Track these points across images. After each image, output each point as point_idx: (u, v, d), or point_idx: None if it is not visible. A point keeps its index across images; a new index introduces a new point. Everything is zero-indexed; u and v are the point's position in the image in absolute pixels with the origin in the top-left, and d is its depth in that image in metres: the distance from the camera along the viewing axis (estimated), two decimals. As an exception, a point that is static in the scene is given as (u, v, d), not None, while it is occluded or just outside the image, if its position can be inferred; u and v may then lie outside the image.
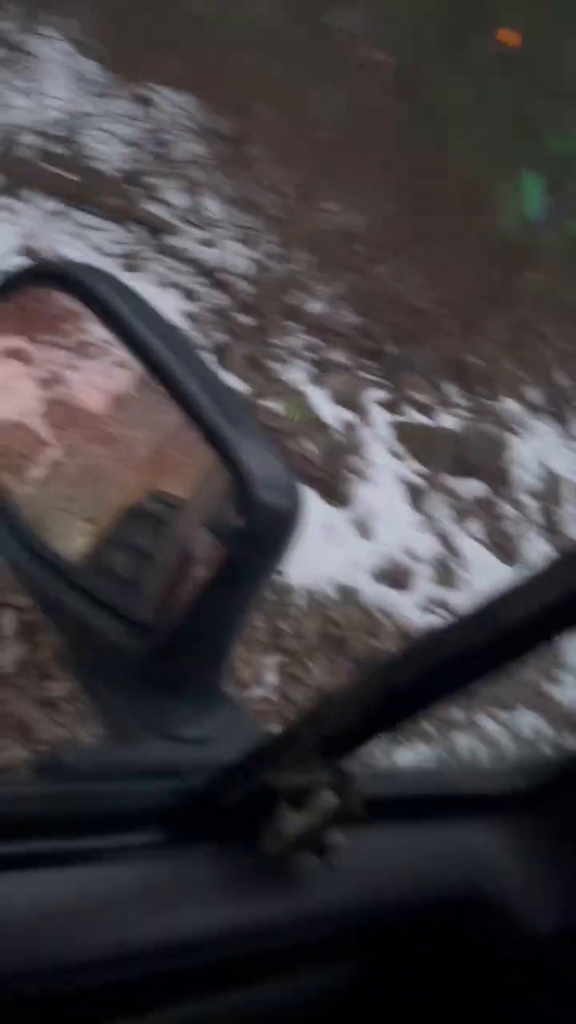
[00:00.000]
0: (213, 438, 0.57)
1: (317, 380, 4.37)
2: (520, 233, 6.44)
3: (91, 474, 0.71)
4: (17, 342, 0.71)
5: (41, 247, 4.24)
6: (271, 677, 3.02)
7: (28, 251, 4.11)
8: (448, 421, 5.04)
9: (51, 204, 5.14)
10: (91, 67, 7.47)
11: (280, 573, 3.30)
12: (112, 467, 0.71)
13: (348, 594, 3.43)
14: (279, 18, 9.20)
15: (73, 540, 0.69)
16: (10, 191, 4.79)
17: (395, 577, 3.62)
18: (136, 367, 0.63)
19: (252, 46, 7.44)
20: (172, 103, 7.85)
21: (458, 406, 5.29)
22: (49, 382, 0.71)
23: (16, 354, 0.71)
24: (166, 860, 0.51)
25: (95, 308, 0.63)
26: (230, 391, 0.65)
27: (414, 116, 8.44)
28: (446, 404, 5.31)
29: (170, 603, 0.61)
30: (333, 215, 6.03)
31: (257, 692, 2.93)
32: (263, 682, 2.99)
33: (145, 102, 7.14)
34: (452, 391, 5.46)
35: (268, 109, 5.60)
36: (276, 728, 0.51)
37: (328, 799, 0.50)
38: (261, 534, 0.56)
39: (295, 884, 0.52)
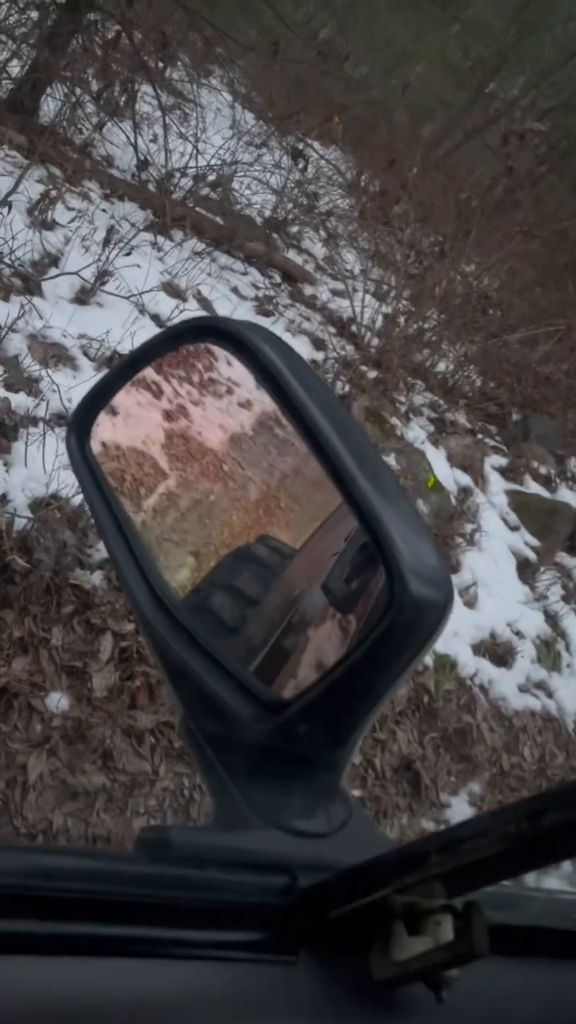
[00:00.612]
0: (366, 518, 0.54)
1: (436, 440, 4.30)
2: None
3: (202, 509, 0.71)
4: (149, 372, 0.72)
5: (181, 285, 4.37)
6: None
7: (169, 287, 4.24)
8: (568, 496, 4.87)
9: (197, 244, 5.31)
10: (250, 118, 7.79)
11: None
12: (223, 504, 0.70)
13: (445, 664, 3.32)
14: (442, 84, 9.38)
15: (177, 573, 0.68)
16: (159, 229, 4.98)
17: (496, 652, 3.48)
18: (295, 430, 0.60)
19: (412, 109, 7.59)
20: (323, 157, 8.07)
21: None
22: (174, 415, 0.72)
23: (146, 384, 0.72)
24: (267, 965, 0.47)
25: (254, 366, 0.61)
26: (387, 469, 0.60)
27: (563, 186, 8.40)
28: (567, 478, 5.15)
29: (302, 681, 0.57)
30: (469, 277, 6.00)
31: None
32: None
33: (297, 155, 7.35)
34: (572, 463, 5.29)
35: (418, 170, 5.64)
36: (406, 842, 0.46)
37: (448, 930, 0.44)
38: (408, 625, 0.52)
39: (403, 1016, 0.47)
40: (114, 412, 0.75)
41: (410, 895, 0.45)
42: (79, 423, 0.71)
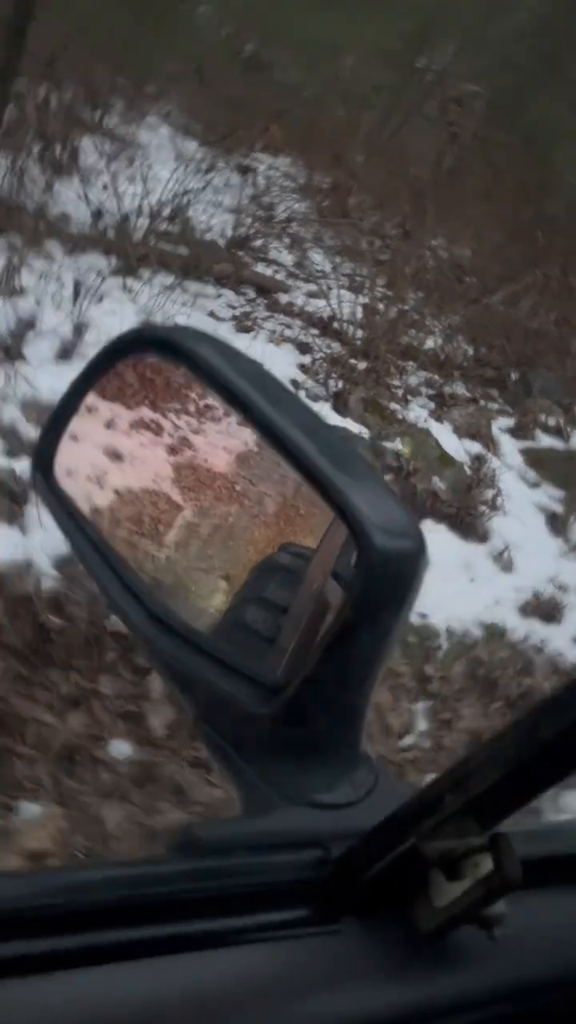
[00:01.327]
0: (323, 487, 0.55)
1: (439, 415, 4.30)
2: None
3: (223, 533, 0.73)
4: (144, 412, 0.74)
5: (157, 319, 4.41)
6: (422, 724, 2.92)
7: (146, 326, 4.29)
8: (580, 442, 4.84)
9: (165, 279, 5.36)
10: (192, 146, 7.86)
11: (424, 616, 3.22)
12: (243, 524, 0.72)
13: (495, 632, 3.30)
14: (370, 70, 9.41)
15: (212, 599, 0.70)
16: (127, 272, 5.03)
17: (543, 610, 3.45)
18: (241, 422, 0.61)
19: (345, 100, 7.62)
20: (271, 167, 8.11)
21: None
22: (176, 448, 0.73)
23: (144, 424, 0.75)
24: (312, 939, 0.47)
25: (190, 366, 0.62)
26: (339, 438, 0.61)
27: (510, 143, 8.37)
28: (578, 425, 5.11)
29: (301, 660, 0.58)
30: (439, 251, 6.00)
31: (408, 740, 2.84)
32: (414, 730, 2.90)
33: (245, 170, 7.41)
34: (582, 411, 5.25)
35: (365, 157, 5.66)
36: (420, 788, 0.47)
37: (484, 865, 0.45)
38: (383, 580, 0.52)
39: (457, 961, 0.47)
40: (74, 439, 0.75)
41: (442, 841, 0.45)
42: (41, 457, 0.72)
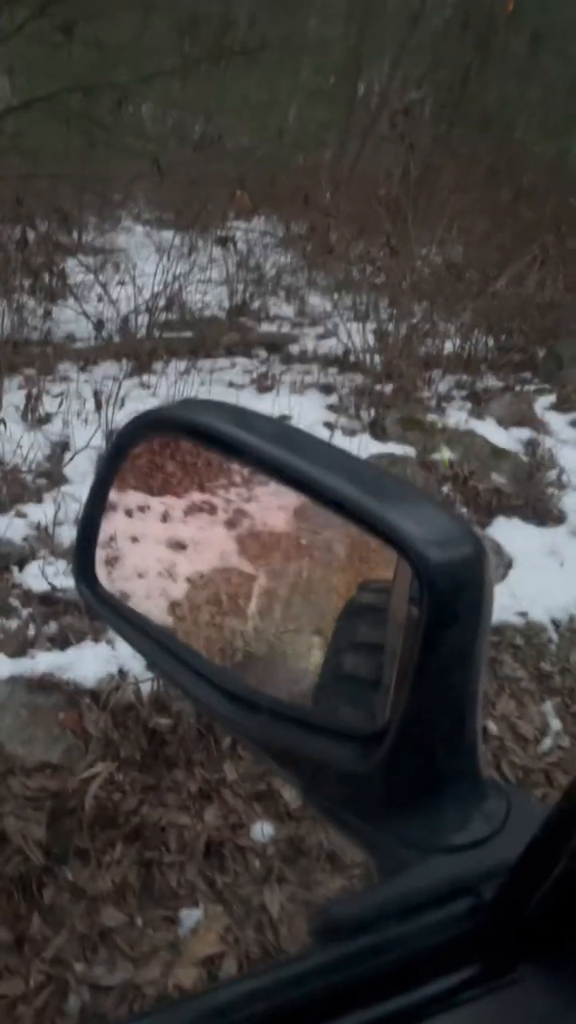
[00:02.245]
0: (364, 520, 0.52)
1: (478, 413, 4.23)
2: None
3: (302, 588, 0.72)
4: (195, 496, 0.75)
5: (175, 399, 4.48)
6: (555, 723, 2.81)
7: (145, 411, 4.36)
8: (630, 395, 4.70)
9: (179, 365, 5.47)
10: (169, 235, 8.09)
11: (524, 615, 3.12)
12: (319, 575, 0.71)
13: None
14: (316, 112, 9.62)
15: (311, 657, 0.68)
16: (140, 370, 5.15)
17: None
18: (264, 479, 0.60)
19: (298, 147, 7.78)
20: (248, 231, 8.29)
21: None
22: (234, 521, 0.74)
23: (198, 508, 0.76)
24: (491, 996, 0.43)
25: (199, 438, 0.61)
26: (366, 466, 0.59)
27: (467, 130, 8.41)
28: (620, 381, 4.98)
29: (398, 699, 0.54)
30: (431, 257, 6.00)
31: (547, 743, 2.73)
32: (549, 731, 2.79)
33: (224, 241, 7.58)
34: (620, 365, 5.12)
35: (332, 193, 5.74)
36: (558, 800, 0.42)
37: None
38: (448, 593, 0.49)
39: None
40: (135, 540, 0.77)
41: None
42: (81, 571, 0.71)
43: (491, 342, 5.56)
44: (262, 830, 2.30)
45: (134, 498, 0.76)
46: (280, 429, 0.58)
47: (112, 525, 0.78)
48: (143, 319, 5.92)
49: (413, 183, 4.80)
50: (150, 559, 0.78)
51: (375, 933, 0.44)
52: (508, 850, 0.46)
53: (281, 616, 0.72)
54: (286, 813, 2.35)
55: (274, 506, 0.70)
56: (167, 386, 4.74)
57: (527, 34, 11.10)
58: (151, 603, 0.78)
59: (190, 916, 2.11)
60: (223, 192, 6.13)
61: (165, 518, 0.77)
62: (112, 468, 0.68)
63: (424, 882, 0.48)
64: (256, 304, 7.16)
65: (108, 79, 5.54)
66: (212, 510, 0.74)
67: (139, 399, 4.50)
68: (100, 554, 0.76)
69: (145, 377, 5.08)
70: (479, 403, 4.39)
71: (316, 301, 7.52)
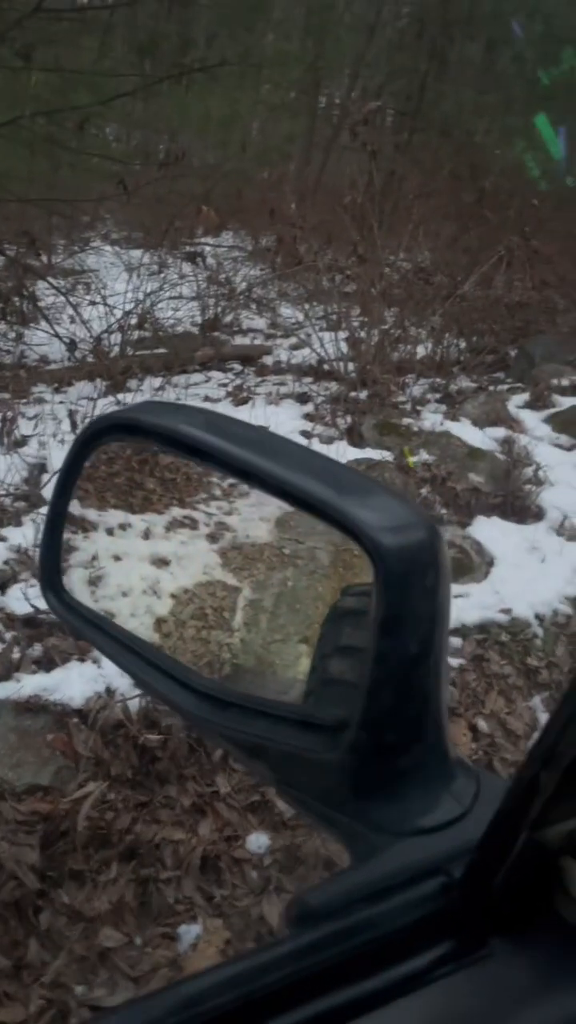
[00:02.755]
0: (320, 512, 0.52)
1: (453, 415, 4.26)
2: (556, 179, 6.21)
3: (288, 598, 0.72)
4: (176, 512, 0.75)
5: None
6: (544, 718, 2.82)
7: (102, 415, 4.35)
8: (601, 390, 4.75)
9: (153, 382, 5.47)
10: (137, 254, 8.11)
11: (508, 611, 3.13)
12: (304, 584, 0.71)
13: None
14: (277, 129, 9.69)
15: (299, 665, 0.68)
16: (115, 389, 5.15)
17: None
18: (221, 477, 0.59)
19: (262, 161, 7.84)
20: (217, 246, 8.33)
21: (604, 372, 4.99)
22: (216, 535, 0.74)
23: (179, 523, 0.76)
24: (465, 972, 0.43)
25: (157, 440, 0.60)
26: (322, 459, 0.58)
27: (428, 137, 8.50)
28: (592, 376, 5.03)
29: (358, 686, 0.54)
30: (398, 263, 6.05)
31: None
32: (539, 726, 2.80)
33: (193, 257, 7.60)
34: (591, 361, 5.18)
35: (297, 206, 5.77)
36: (513, 775, 0.43)
37: None
38: (401, 576, 0.49)
39: None
40: (118, 559, 0.77)
41: (559, 824, 0.42)
42: (47, 577, 0.71)
43: (463, 344, 5.61)
44: (258, 841, 2.29)
45: (115, 516, 0.77)
46: (238, 428, 0.59)
47: (93, 545, 0.79)
48: (116, 338, 5.93)
49: (377, 191, 4.84)
50: (134, 577, 0.78)
51: (348, 916, 0.44)
52: (478, 829, 0.45)
53: (268, 626, 0.72)
54: (281, 823, 2.35)
55: (255, 517, 0.71)
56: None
57: (482, 41, 11.27)
58: (136, 621, 0.78)
59: (189, 932, 2.10)
60: (190, 209, 6.15)
61: (147, 535, 0.78)
62: (72, 474, 0.68)
63: (394, 865, 0.48)
64: (228, 318, 7.19)
65: (69, 102, 5.56)
66: (194, 524, 0.74)
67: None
68: (82, 574, 0.76)
69: (120, 396, 5.07)
70: (453, 405, 4.42)
71: (288, 312, 7.55)
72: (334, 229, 5.64)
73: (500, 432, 4.16)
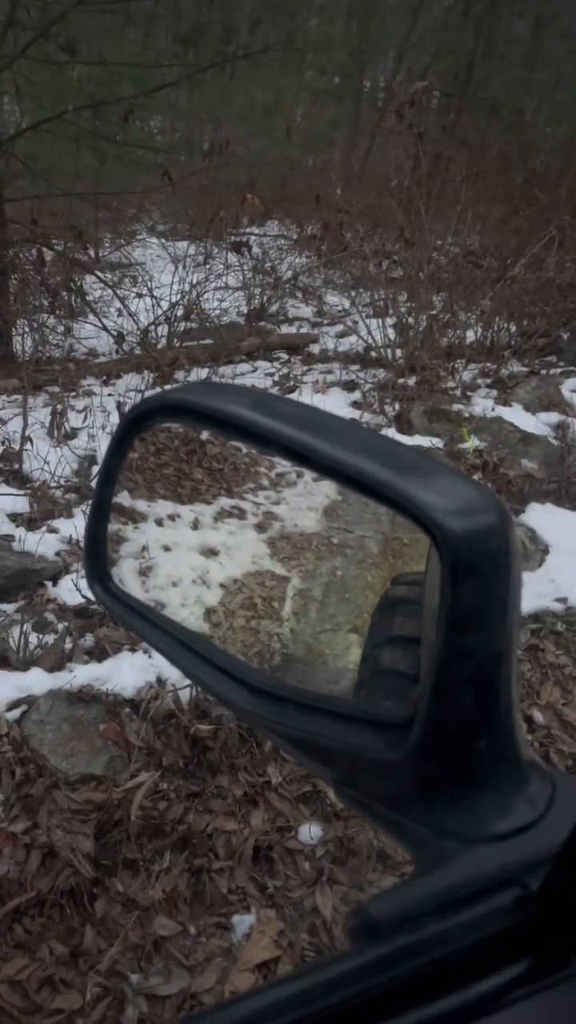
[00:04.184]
0: (382, 495, 0.49)
1: (504, 400, 4.18)
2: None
3: (337, 587, 0.72)
4: (224, 502, 0.76)
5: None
6: (603, 709, 2.75)
7: (147, 398, 4.35)
8: None
9: (200, 373, 5.48)
10: (183, 245, 8.12)
11: (564, 600, 3.06)
12: (353, 573, 0.71)
13: None
14: (325, 110, 9.60)
15: (349, 655, 0.67)
16: (162, 380, 5.16)
17: None
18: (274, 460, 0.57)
19: (311, 146, 7.77)
20: (261, 236, 8.30)
21: None
22: (264, 524, 0.76)
23: (227, 513, 0.78)
24: (547, 993, 0.39)
25: (206, 422, 0.57)
26: (382, 439, 0.54)
27: (476, 117, 8.34)
28: None
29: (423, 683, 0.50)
30: (446, 247, 5.95)
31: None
32: (597, 717, 2.73)
33: (239, 247, 7.59)
34: None
35: (344, 193, 5.71)
36: None
37: None
38: (471, 564, 0.46)
39: None
40: (168, 549, 0.74)
41: None
42: (94, 571, 0.69)
43: (514, 328, 5.50)
44: (310, 832, 2.28)
45: (164, 507, 0.79)
46: (290, 407, 0.56)
47: (143, 535, 0.79)
48: (163, 330, 5.95)
49: (424, 173, 4.76)
50: (183, 567, 0.81)
51: (416, 930, 0.41)
52: (555, 836, 0.42)
53: (317, 616, 0.71)
54: (333, 814, 2.33)
55: (303, 507, 0.70)
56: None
57: (531, 18, 11.01)
58: (187, 611, 0.78)
59: (243, 922, 2.10)
60: (234, 198, 6.13)
61: (196, 525, 0.81)
62: (118, 457, 0.65)
63: (466, 874, 0.45)
64: (274, 307, 7.16)
65: (114, 95, 5.57)
66: (242, 514, 0.77)
67: (163, 409, 4.51)
68: (132, 565, 0.75)
69: (167, 386, 5.08)
70: (505, 390, 4.33)
71: (335, 300, 7.50)
72: (380, 214, 5.57)
73: (554, 417, 4.06)
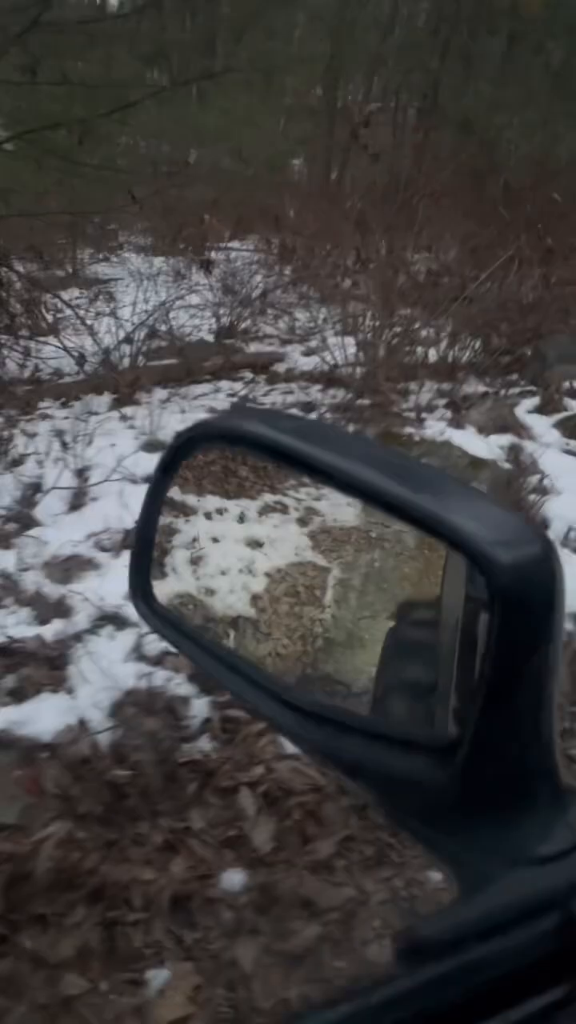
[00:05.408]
0: (423, 523, 0.50)
1: (457, 422, 4.14)
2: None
3: (375, 578, 0.76)
4: (267, 498, 0.79)
5: (159, 436, 4.42)
6: None
7: (149, 445, 4.30)
8: (617, 392, 4.58)
9: (162, 393, 5.43)
10: (160, 262, 8.08)
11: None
12: (390, 565, 0.74)
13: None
14: (292, 131, 9.60)
15: (367, 671, 0.69)
16: (121, 402, 5.11)
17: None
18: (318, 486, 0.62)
19: (273, 163, 7.76)
20: (228, 254, 8.27)
21: (620, 372, 4.82)
22: (305, 519, 0.79)
23: (271, 508, 0.81)
24: None
25: (249, 447, 0.61)
26: (417, 464, 0.58)
27: (446, 135, 8.35)
28: (607, 377, 4.85)
29: (466, 706, 0.52)
30: (411, 266, 5.93)
31: None
32: None
33: (208, 264, 7.56)
34: (607, 361, 5.00)
35: (298, 211, 5.69)
36: None
37: None
38: (521, 597, 0.47)
39: None
40: (216, 540, 0.86)
41: None
42: (138, 587, 0.71)
43: (477, 345, 5.47)
44: (233, 879, 2.21)
45: (212, 502, 0.83)
46: (322, 430, 0.62)
47: (194, 528, 0.87)
48: (129, 349, 5.89)
49: (379, 193, 4.73)
50: (231, 557, 0.87)
51: (462, 953, 0.42)
52: None
53: (357, 604, 0.76)
54: (257, 859, 2.27)
55: (342, 503, 0.73)
56: (143, 417, 4.68)
57: (504, 35, 11.05)
58: (234, 597, 0.85)
59: (157, 977, 2.02)
60: (196, 217, 6.10)
61: (242, 519, 0.84)
62: (164, 482, 0.69)
63: (510, 897, 0.46)
64: (244, 325, 7.12)
65: (74, 115, 5.54)
66: (284, 509, 0.78)
67: (114, 432, 4.46)
68: (184, 555, 0.81)
69: (127, 409, 5.03)
70: (458, 411, 4.29)
71: (303, 317, 7.46)
72: (337, 234, 5.54)
73: (508, 439, 4.02)
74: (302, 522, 0.76)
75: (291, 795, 2.36)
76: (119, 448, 3.98)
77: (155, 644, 2.69)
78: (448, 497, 0.52)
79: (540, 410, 4.41)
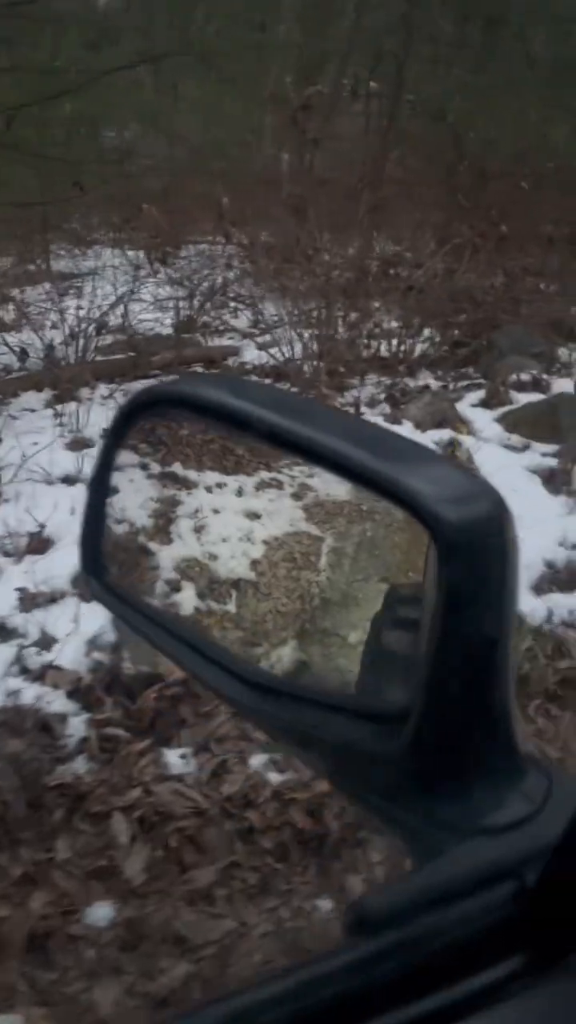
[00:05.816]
0: (374, 484, 0.50)
1: (395, 417, 3.97)
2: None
3: (367, 546, 0.78)
4: (263, 474, 0.81)
5: (88, 435, 4.26)
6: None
7: (74, 443, 4.14)
8: (565, 385, 4.42)
9: (105, 390, 5.27)
10: (131, 254, 7.88)
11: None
12: (381, 534, 0.75)
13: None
14: (247, 122, 9.40)
15: (379, 602, 0.71)
16: (60, 399, 4.95)
17: (561, 580, 3.03)
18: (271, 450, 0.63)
19: (222, 153, 7.58)
20: (192, 252, 8.07)
21: (571, 364, 4.67)
22: (299, 494, 0.81)
23: (267, 484, 0.83)
24: (542, 989, 0.41)
25: (201, 412, 0.60)
26: (369, 428, 0.58)
27: (411, 122, 8.16)
28: (557, 370, 4.69)
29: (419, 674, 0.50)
30: (365, 256, 5.76)
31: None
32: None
33: (163, 257, 7.37)
34: (560, 353, 4.84)
35: (233, 203, 5.51)
36: None
37: None
38: (468, 553, 0.46)
39: None
40: (217, 511, 0.92)
41: None
42: (87, 559, 0.69)
43: (432, 337, 5.31)
44: (99, 913, 2.06)
45: (211, 477, 0.86)
46: (279, 396, 0.61)
47: (196, 500, 0.94)
48: (76, 344, 5.72)
49: (315, 180, 4.57)
50: (231, 527, 0.91)
51: (411, 925, 0.42)
52: (551, 830, 0.44)
53: (350, 569, 0.79)
54: (127, 891, 2.11)
55: (335, 479, 0.76)
56: (82, 415, 4.51)
57: (479, 21, 10.84)
58: (235, 562, 0.90)
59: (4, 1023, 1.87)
60: (139, 208, 5.92)
61: (240, 493, 0.86)
62: (113, 450, 0.67)
63: (462, 867, 0.45)
64: (204, 319, 6.94)
65: (15, 102, 5.36)
66: (279, 485, 0.81)
67: (45, 431, 4.30)
68: (188, 524, 0.91)
69: (64, 406, 4.86)
70: (397, 406, 4.13)
71: (271, 309, 7.27)
72: (280, 223, 5.37)
73: (444, 434, 3.86)
74: (296, 496, 0.80)
75: (170, 820, 2.21)
76: (41, 446, 3.82)
77: (37, 657, 2.54)
78: (408, 462, 0.51)
79: (485, 404, 4.26)
